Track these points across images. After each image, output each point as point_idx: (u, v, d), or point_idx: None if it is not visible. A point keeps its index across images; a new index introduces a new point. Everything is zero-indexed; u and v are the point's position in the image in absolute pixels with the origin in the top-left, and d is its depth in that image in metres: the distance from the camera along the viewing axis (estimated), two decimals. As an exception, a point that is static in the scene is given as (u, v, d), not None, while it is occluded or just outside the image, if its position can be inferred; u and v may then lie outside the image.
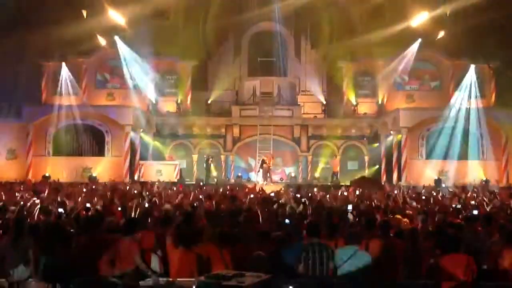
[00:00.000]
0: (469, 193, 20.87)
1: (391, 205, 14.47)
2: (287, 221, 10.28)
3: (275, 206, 13.86)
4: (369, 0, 34.92)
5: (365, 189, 22.76)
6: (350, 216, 12.06)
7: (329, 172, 34.61)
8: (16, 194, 18.07)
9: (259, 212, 11.89)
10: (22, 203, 14.56)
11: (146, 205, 13.97)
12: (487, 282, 7.29)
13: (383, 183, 29.53)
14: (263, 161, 31.32)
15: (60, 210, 12.49)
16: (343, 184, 28.54)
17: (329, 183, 30.00)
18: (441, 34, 33.04)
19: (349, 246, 7.85)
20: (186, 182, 29.12)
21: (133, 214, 11.76)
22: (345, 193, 21.08)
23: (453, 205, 15.01)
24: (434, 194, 20.64)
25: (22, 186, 22.62)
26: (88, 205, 13.61)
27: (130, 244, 7.97)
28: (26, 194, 17.61)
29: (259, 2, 36.28)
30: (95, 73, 36.12)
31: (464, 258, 7.38)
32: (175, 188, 23.00)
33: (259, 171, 31.78)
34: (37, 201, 14.41)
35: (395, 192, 21.19)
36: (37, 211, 12.27)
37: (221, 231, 8.33)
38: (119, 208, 12.85)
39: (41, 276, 7.71)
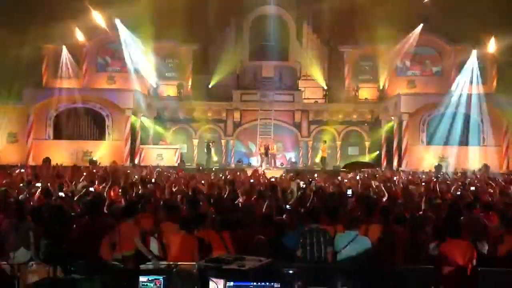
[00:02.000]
0: (469, 179, 20.87)
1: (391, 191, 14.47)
2: (287, 206, 10.29)
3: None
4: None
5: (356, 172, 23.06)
6: (350, 202, 12.06)
7: (330, 156, 34.73)
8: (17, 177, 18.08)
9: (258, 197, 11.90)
10: (22, 184, 14.62)
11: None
12: (486, 268, 7.30)
13: (383, 169, 29.60)
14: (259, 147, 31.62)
15: (61, 194, 12.52)
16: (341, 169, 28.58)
17: (329, 168, 30.01)
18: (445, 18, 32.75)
19: (348, 231, 7.87)
20: (186, 167, 29.15)
21: (133, 197, 11.78)
22: (345, 180, 21.08)
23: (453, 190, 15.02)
24: (434, 180, 20.64)
25: (22, 169, 22.62)
26: (91, 189, 13.66)
27: (130, 227, 7.99)
28: (27, 177, 17.63)
29: (261, -14, 36.17)
30: (96, 57, 36.01)
31: (464, 244, 7.40)
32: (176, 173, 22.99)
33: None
34: (38, 184, 14.43)
35: (395, 178, 21.20)
36: (38, 194, 12.30)
37: (222, 216, 8.36)
38: (120, 192, 12.86)
39: (42, 258, 7.75)
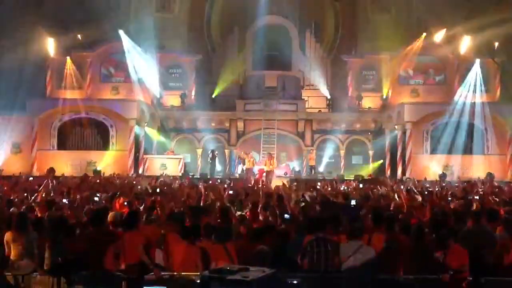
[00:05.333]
0: (474, 188, 20.80)
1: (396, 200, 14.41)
2: (286, 216, 10.23)
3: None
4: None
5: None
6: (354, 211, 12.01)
7: (333, 165, 34.80)
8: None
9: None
10: (26, 194, 14.63)
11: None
12: (491, 277, 7.28)
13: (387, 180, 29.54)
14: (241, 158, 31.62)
15: (64, 200, 12.56)
16: (346, 178, 28.54)
17: (331, 177, 29.92)
18: (447, 29, 32.71)
19: (353, 240, 7.85)
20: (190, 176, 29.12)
21: (137, 207, 11.77)
22: (349, 188, 21.02)
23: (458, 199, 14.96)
24: (439, 189, 20.58)
25: (27, 180, 22.68)
26: (96, 198, 13.69)
27: (134, 238, 7.99)
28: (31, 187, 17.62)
29: (264, -4, 36.30)
30: (100, 67, 36.10)
31: (465, 252, 7.42)
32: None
33: (238, 164, 31.87)
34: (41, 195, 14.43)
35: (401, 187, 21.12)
36: (42, 204, 12.29)
37: (225, 227, 8.34)
38: (125, 203, 12.84)
39: (46, 269, 7.75)
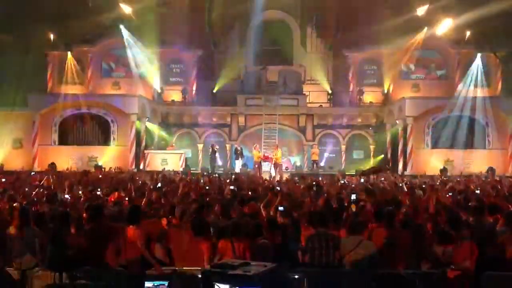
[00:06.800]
0: (475, 182, 20.81)
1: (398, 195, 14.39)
2: (280, 208, 10.22)
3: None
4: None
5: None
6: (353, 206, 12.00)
7: (334, 160, 34.78)
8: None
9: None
10: (27, 189, 14.65)
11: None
12: (493, 271, 7.27)
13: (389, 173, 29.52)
14: (239, 150, 31.67)
15: (66, 196, 12.57)
16: (348, 173, 28.52)
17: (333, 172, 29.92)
18: (448, 22, 32.54)
19: (353, 235, 7.85)
20: (192, 171, 29.11)
21: (139, 202, 11.76)
22: (352, 183, 21.01)
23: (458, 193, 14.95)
24: (439, 183, 20.57)
25: (28, 175, 22.69)
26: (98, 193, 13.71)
27: (135, 233, 7.99)
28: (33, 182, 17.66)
29: (265, -10, 36.22)
30: (101, 62, 36.13)
31: (467, 246, 7.41)
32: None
33: (237, 158, 31.82)
34: (41, 190, 14.45)
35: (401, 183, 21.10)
36: (43, 199, 12.31)
37: (233, 223, 8.33)
38: (126, 198, 12.85)
39: (48, 265, 7.75)
